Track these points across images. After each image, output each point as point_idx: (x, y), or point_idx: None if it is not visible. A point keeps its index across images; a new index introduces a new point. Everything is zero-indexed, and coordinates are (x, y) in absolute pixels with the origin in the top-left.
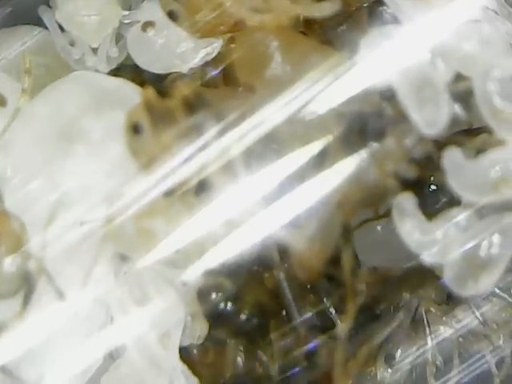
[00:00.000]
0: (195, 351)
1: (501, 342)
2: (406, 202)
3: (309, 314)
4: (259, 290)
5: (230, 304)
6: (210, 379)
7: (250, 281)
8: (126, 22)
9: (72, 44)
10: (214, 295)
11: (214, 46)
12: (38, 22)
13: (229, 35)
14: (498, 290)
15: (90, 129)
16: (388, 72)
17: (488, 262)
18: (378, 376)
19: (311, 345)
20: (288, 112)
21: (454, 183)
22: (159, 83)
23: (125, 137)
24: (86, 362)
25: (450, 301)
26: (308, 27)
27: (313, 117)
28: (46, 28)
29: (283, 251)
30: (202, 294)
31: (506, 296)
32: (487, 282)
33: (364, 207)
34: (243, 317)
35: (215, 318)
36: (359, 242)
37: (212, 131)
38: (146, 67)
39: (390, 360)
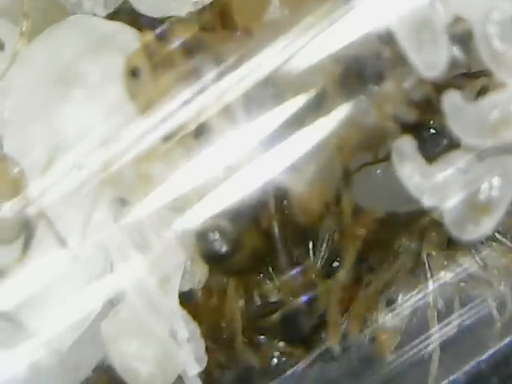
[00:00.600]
0: (196, 296)
1: (501, 287)
2: (406, 145)
3: (308, 259)
4: (256, 234)
5: (226, 245)
6: (210, 324)
7: (247, 223)
8: None
9: None
10: (211, 235)
11: None
12: None
13: None
14: (498, 235)
15: (87, 72)
16: (386, 15)
17: (488, 205)
18: (380, 320)
19: (312, 289)
20: (286, 56)
21: (454, 126)
22: (156, 27)
23: (123, 80)
24: (86, 308)
25: (451, 245)
26: None
27: (311, 61)
28: None
29: (283, 195)
30: (200, 235)
31: (507, 241)
32: (487, 225)
33: (363, 151)
34: (239, 258)
35: (211, 259)
36: (359, 186)
37: (210, 75)
38: (143, 11)
39: (391, 304)
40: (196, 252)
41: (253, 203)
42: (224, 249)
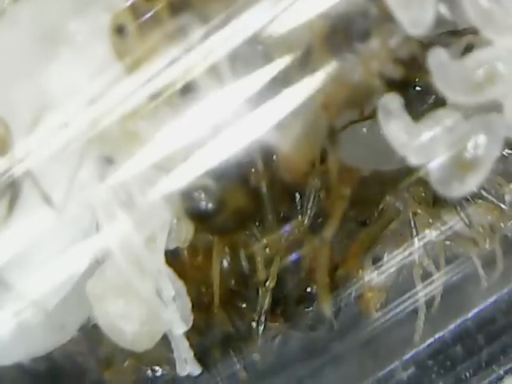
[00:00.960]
0: (182, 255)
1: (487, 244)
2: (392, 102)
3: (294, 217)
4: (242, 192)
5: (211, 203)
6: (196, 283)
7: (233, 182)
8: None
9: None
10: (196, 193)
11: None
12: None
13: None
14: (484, 193)
15: (74, 31)
16: None
17: (474, 162)
18: (366, 278)
19: (298, 249)
20: (273, 14)
21: (439, 84)
22: None
23: (110, 38)
24: (71, 267)
25: (436, 204)
26: None
27: (298, 19)
28: None
29: (269, 153)
30: (185, 193)
31: (492, 198)
32: (472, 182)
33: (349, 108)
34: (224, 216)
35: (196, 217)
36: (344, 144)
37: (197, 33)
38: None
39: (377, 262)
40: (181, 210)
41: (239, 161)
42: (209, 207)
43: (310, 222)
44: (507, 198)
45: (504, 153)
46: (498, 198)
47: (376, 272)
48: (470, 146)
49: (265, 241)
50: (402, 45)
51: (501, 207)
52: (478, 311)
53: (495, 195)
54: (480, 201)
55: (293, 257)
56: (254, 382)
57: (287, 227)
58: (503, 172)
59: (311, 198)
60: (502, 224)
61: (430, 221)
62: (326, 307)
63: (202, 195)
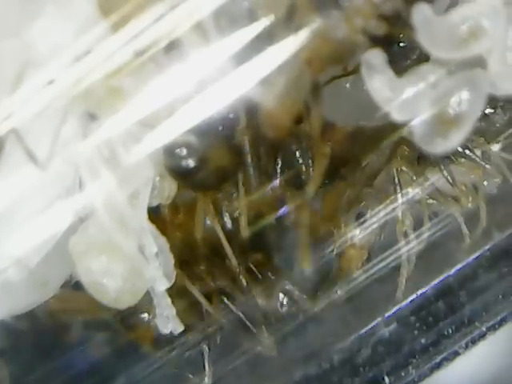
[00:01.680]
0: (165, 212)
1: (469, 203)
2: (375, 57)
3: (276, 174)
4: (224, 149)
5: (192, 160)
6: (179, 239)
7: (216, 138)
8: None
9: None
10: (178, 150)
11: None
12: None
13: None
14: (468, 152)
15: None
16: None
17: (457, 118)
18: (349, 234)
19: (280, 205)
20: None
21: (424, 39)
22: None
23: None
24: (54, 224)
25: (421, 162)
26: None
27: None
28: None
29: (253, 110)
30: (167, 149)
31: (476, 157)
32: (456, 138)
33: (333, 64)
34: (205, 173)
35: (177, 174)
36: (328, 100)
37: None
38: None
39: (360, 218)
40: (164, 167)
41: (223, 118)
42: (190, 163)
43: (293, 180)
44: (490, 157)
45: (486, 112)
46: (481, 157)
47: (359, 229)
48: (453, 101)
49: (247, 198)
50: (386, 0)
51: (483, 166)
52: (461, 268)
53: (478, 154)
54: (463, 160)
55: (279, 213)
56: (235, 341)
57: (273, 184)
58: (486, 131)
59: (294, 155)
60: (484, 183)
61: (414, 178)
62: (306, 265)
63: (184, 152)
